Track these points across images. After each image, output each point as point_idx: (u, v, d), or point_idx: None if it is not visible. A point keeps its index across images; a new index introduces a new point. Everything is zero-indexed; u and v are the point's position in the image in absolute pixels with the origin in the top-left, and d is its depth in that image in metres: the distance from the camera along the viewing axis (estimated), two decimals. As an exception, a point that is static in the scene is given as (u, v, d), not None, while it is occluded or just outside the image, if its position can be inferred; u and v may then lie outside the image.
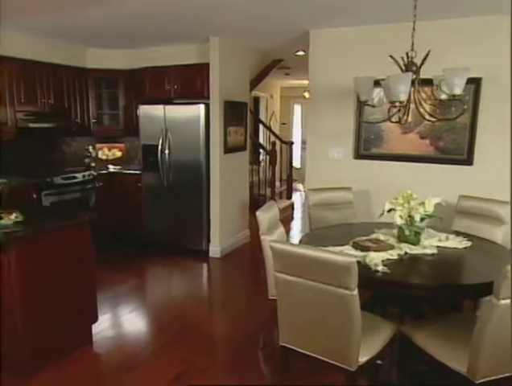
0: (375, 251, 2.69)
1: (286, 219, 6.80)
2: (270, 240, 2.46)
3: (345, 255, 2.31)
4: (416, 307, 2.97)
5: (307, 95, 6.59)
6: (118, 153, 6.26)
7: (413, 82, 2.64)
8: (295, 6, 3.67)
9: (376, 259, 2.56)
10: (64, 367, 2.97)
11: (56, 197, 4.90)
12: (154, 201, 5.50)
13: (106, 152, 6.19)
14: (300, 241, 3.11)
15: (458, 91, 2.51)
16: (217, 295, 4.47)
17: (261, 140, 8.93)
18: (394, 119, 2.84)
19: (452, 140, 4.06)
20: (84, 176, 5.32)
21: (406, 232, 2.85)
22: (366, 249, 2.72)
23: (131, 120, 5.83)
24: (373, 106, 3.01)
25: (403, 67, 2.73)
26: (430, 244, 2.88)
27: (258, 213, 3.01)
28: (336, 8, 3.71)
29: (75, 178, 5.20)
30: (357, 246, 2.79)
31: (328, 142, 4.62)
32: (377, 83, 2.85)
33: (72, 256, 3.09)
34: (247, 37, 5.01)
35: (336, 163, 4.59)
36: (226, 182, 5.36)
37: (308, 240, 3.17)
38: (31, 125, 4.78)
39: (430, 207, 2.83)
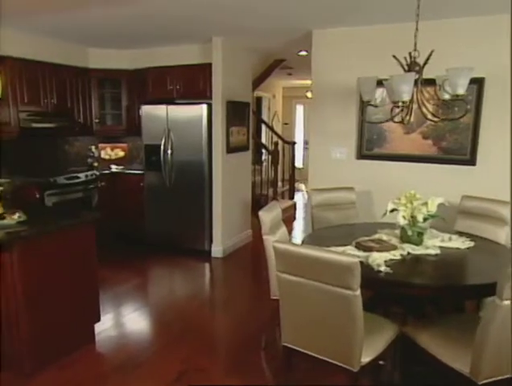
0: (378, 251, 2.68)
1: (288, 219, 6.79)
2: (273, 240, 2.46)
3: (348, 255, 2.31)
4: (419, 308, 2.97)
5: (309, 95, 6.58)
6: (121, 153, 6.27)
7: (416, 82, 2.63)
8: (297, 6, 3.67)
9: (378, 259, 2.55)
10: (66, 366, 2.98)
11: (59, 197, 4.91)
12: (157, 201, 5.50)
13: (109, 152, 6.20)
14: (303, 241, 3.11)
15: (461, 91, 2.50)
16: (219, 295, 4.47)
17: (263, 140, 8.93)
18: (396, 119, 2.84)
19: (455, 140, 4.05)
20: (86, 176, 5.33)
21: (409, 233, 2.84)
22: (369, 249, 2.71)
23: (134, 120, 5.84)
24: (376, 106, 3.01)
25: (406, 67, 2.72)
26: (433, 244, 2.88)
27: (260, 213, 3.01)
28: (338, 8, 3.71)
29: (77, 177, 5.21)
30: (359, 246, 2.79)
31: (330, 142, 4.61)
32: (379, 83, 2.86)
33: (74, 255, 3.10)
34: (250, 37, 5.01)
35: (339, 163, 4.59)
36: (228, 182, 5.36)
37: (311, 240, 3.17)
38: (34, 125, 4.79)
39: (433, 208, 2.82)
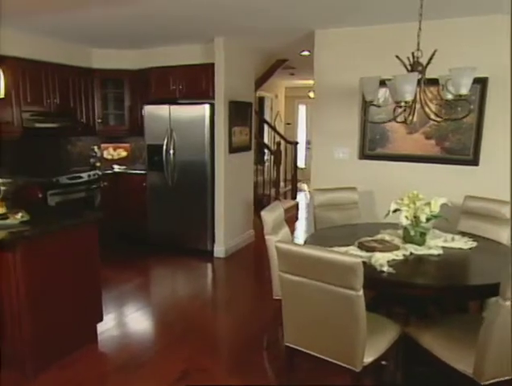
0: (380, 251, 2.68)
1: (290, 219, 6.79)
2: (276, 240, 2.46)
3: (351, 255, 2.31)
4: (421, 308, 2.96)
5: (311, 95, 6.58)
6: (123, 153, 6.27)
7: (419, 82, 2.63)
8: (300, 6, 3.67)
9: (381, 259, 2.55)
10: (69, 366, 2.98)
11: (62, 197, 4.92)
12: (159, 201, 5.51)
13: (111, 152, 6.21)
14: (305, 241, 3.11)
15: (464, 91, 2.49)
16: (222, 295, 4.47)
17: (265, 140, 8.93)
18: (399, 119, 2.83)
19: (458, 140, 4.04)
20: (89, 176, 5.34)
21: (412, 233, 2.84)
22: (372, 250, 2.71)
23: (136, 120, 5.85)
24: (379, 106, 3.00)
25: (409, 67, 2.72)
26: (435, 244, 2.87)
27: (262, 213, 3.01)
28: (340, 8, 3.71)
29: (80, 177, 5.22)
30: (362, 246, 2.79)
31: (333, 142, 4.61)
32: (382, 83, 2.85)
33: (77, 255, 3.11)
34: (252, 37, 5.01)
35: (341, 163, 4.58)
36: (231, 182, 5.36)
37: (313, 240, 3.16)
38: (37, 124, 4.81)
39: (436, 208, 2.81)
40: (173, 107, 5.25)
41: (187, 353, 3.16)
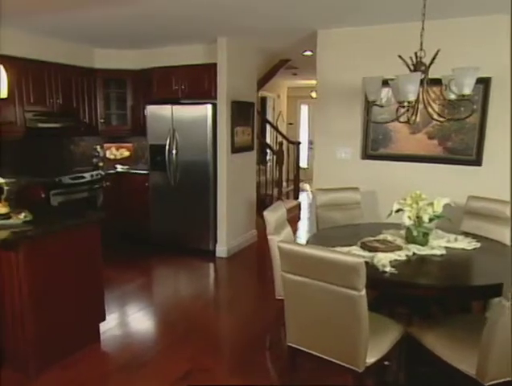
0: (383, 251, 2.68)
1: (293, 219, 6.79)
2: (278, 240, 2.46)
3: (353, 255, 2.30)
4: (424, 308, 2.96)
5: (314, 95, 6.58)
6: (126, 153, 6.28)
7: (422, 82, 2.62)
8: (302, 7, 3.66)
9: (384, 260, 2.54)
10: (71, 365, 2.99)
11: (64, 197, 4.93)
12: (162, 201, 5.51)
13: (114, 152, 6.22)
14: (307, 241, 3.10)
15: (467, 91, 2.49)
16: (224, 295, 4.47)
17: (268, 140, 8.93)
18: (402, 119, 2.83)
19: (461, 140, 4.03)
20: (92, 176, 5.35)
21: (415, 233, 2.83)
22: (374, 250, 2.71)
23: (139, 120, 5.85)
24: (382, 106, 3.00)
25: (412, 67, 2.71)
26: (438, 244, 2.87)
27: (265, 213, 3.01)
28: (343, 8, 3.70)
29: (83, 177, 5.23)
30: (364, 247, 2.78)
31: (335, 142, 4.61)
32: (385, 83, 2.85)
33: (80, 255, 3.11)
34: (255, 37, 5.01)
35: (344, 163, 4.58)
36: (233, 182, 5.36)
37: (315, 240, 3.16)
38: (40, 124, 4.82)
39: (439, 208, 2.81)
40: (175, 107, 5.26)
41: (189, 353, 3.16)
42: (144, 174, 5.63)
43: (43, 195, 4.68)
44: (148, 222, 5.62)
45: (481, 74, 2.56)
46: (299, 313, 2.36)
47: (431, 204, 2.81)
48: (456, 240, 3.00)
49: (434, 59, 2.65)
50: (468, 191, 3.63)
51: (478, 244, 2.94)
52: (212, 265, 5.19)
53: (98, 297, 3.33)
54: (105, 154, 6.13)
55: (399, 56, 2.73)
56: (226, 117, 5.11)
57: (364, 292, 2.09)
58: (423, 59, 2.69)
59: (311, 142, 11.02)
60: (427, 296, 2.59)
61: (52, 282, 2.92)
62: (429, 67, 2.68)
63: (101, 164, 5.85)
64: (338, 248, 2.54)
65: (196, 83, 5.33)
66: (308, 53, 5.81)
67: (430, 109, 2.72)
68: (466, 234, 3.20)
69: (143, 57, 5.78)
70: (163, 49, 5.63)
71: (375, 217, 3.91)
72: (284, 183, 8.89)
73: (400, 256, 2.66)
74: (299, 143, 8.80)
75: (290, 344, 2.44)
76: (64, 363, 2.99)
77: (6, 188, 2.99)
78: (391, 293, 2.85)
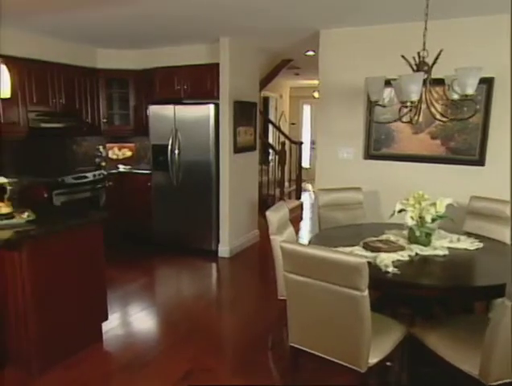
0: (385, 252, 2.67)
1: (295, 219, 6.78)
2: (281, 240, 2.46)
3: (356, 255, 2.30)
4: (427, 308, 2.95)
5: (316, 95, 6.57)
6: (128, 153, 6.29)
7: (424, 82, 2.62)
8: (304, 7, 3.66)
9: (386, 260, 2.54)
10: (74, 365, 2.99)
11: (67, 196, 4.94)
12: (164, 201, 5.52)
13: (116, 152, 6.23)
14: (310, 242, 3.10)
15: (470, 91, 2.48)
16: (226, 295, 4.47)
17: (270, 140, 8.93)
18: (405, 119, 2.83)
19: (464, 140, 4.02)
20: (94, 176, 5.36)
21: (417, 233, 2.83)
22: (377, 250, 2.70)
23: (141, 120, 5.86)
24: (384, 106, 2.99)
25: (415, 67, 2.71)
26: (441, 245, 2.86)
27: (267, 213, 3.01)
28: (345, 8, 3.70)
29: (85, 177, 5.24)
30: (367, 247, 2.78)
31: (337, 142, 4.60)
32: (387, 83, 2.84)
33: (82, 255, 3.12)
34: (257, 37, 5.01)
35: (346, 163, 4.57)
36: (236, 182, 5.37)
37: (318, 240, 3.16)
38: (43, 124, 4.83)
39: (441, 208, 2.80)
40: (178, 107, 5.26)
41: (191, 353, 3.17)
42: (146, 174, 5.63)
43: (45, 195, 4.69)
44: (150, 222, 5.63)
45: (484, 74, 2.56)
46: (302, 313, 2.36)
47: (434, 204, 2.81)
48: (458, 240, 2.99)
49: (437, 59, 2.65)
50: (471, 191, 3.62)
51: (481, 245, 2.93)
52: (214, 265, 5.19)
53: (101, 296, 3.34)
54: (107, 154, 6.14)
55: (402, 56, 2.72)
56: (229, 117, 5.11)
57: (366, 292, 2.09)
58: (425, 58, 2.69)
59: (313, 142, 11.01)
60: (430, 296, 2.58)
61: (55, 282, 2.92)
62: (432, 67, 2.68)
63: (103, 164, 5.86)
64: (340, 249, 2.54)
65: (199, 83, 5.34)
66: (311, 53, 5.80)
67: (433, 109, 2.72)
68: (469, 234, 3.19)
69: (145, 57, 5.78)
70: (165, 49, 5.63)
71: (377, 217, 3.91)
72: (286, 183, 8.88)
73: (403, 256, 2.66)
74: (302, 143, 8.80)
75: (292, 344, 2.44)
76: (67, 363, 2.99)
77: (9, 188, 2.99)
78: (394, 294, 2.84)
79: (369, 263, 2.14)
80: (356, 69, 4.34)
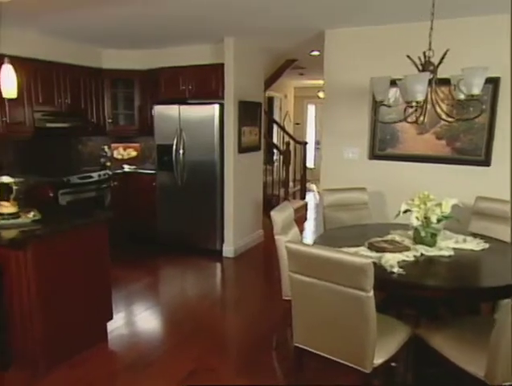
0: (391, 252, 2.66)
1: (299, 219, 6.78)
2: (286, 241, 2.46)
3: (361, 256, 2.29)
4: (432, 309, 2.93)
5: (321, 95, 6.57)
6: (133, 153, 6.31)
7: (430, 82, 2.61)
8: (309, 7, 3.66)
9: (391, 260, 2.53)
10: (79, 364, 3.01)
11: (72, 196, 4.96)
12: (169, 200, 5.53)
13: (121, 152, 6.25)
14: (314, 242, 3.10)
15: (476, 91, 2.47)
16: (231, 295, 4.48)
17: (275, 140, 8.93)
18: (410, 119, 2.82)
19: (470, 140, 4.00)
20: (99, 175, 5.38)
21: (423, 234, 2.82)
22: (382, 250, 2.69)
23: (146, 120, 5.87)
24: (389, 106, 2.99)
25: (420, 67, 2.70)
26: (446, 245, 2.85)
27: (272, 213, 3.00)
28: (351, 8, 3.69)
29: (91, 177, 5.26)
30: (372, 247, 2.77)
31: (342, 142, 4.59)
32: (393, 83, 2.83)
33: (88, 254, 3.13)
34: (262, 37, 5.01)
35: (351, 163, 4.56)
36: (240, 182, 5.37)
37: (322, 240, 3.16)
38: (48, 124, 4.85)
39: (447, 209, 2.79)
40: (183, 107, 5.27)
41: (195, 352, 3.17)
42: (151, 173, 5.64)
43: (51, 195, 4.71)
44: (155, 222, 5.64)
45: (489, 74, 2.54)
46: (306, 313, 2.36)
47: (440, 205, 2.80)
48: (464, 240, 2.98)
49: (443, 58, 2.63)
50: (477, 192, 3.61)
51: (487, 245, 2.92)
52: (219, 265, 5.19)
53: (106, 296, 3.35)
54: (112, 154, 6.16)
55: (408, 56, 2.71)
56: (233, 116, 5.12)
57: (371, 293, 2.09)
58: (431, 58, 2.68)
59: (318, 142, 11.01)
60: (435, 297, 2.57)
61: (60, 281, 2.93)
62: (438, 66, 2.67)
63: (108, 164, 5.88)
64: (345, 249, 2.53)
65: (204, 83, 5.34)
66: (315, 53, 5.79)
67: (438, 109, 2.70)
68: (474, 235, 3.18)
69: (150, 57, 5.79)
70: (170, 49, 5.64)
71: (383, 217, 3.90)
72: (291, 183, 8.88)
73: (408, 256, 2.65)
74: (306, 143, 8.80)
75: (296, 344, 2.44)
76: (72, 362, 3.01)
77: (14, 188, 3.01)
78: (399, 294, 2.83)
79: (374, 263, 2.13)
80: (361, 69, 4.33)
